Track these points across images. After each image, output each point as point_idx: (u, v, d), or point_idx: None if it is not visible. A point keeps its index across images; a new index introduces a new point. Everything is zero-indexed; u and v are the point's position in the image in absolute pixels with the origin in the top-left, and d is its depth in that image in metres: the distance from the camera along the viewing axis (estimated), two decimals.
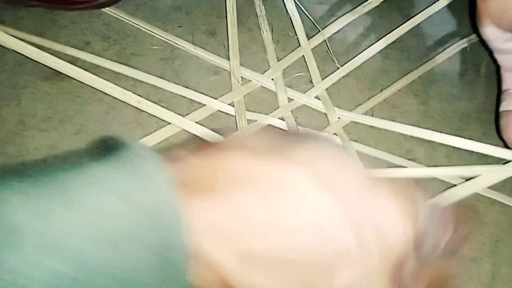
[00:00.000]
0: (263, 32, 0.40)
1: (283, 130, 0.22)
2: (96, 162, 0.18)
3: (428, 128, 0.37)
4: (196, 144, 0.21)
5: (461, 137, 0.36)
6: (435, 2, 0.41)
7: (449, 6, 0.41)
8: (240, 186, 0.18)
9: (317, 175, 0.19)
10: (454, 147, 0.36)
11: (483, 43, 0.35)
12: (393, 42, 0.40)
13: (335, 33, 0.41)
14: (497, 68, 0.37)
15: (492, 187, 0.35)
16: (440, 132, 0.37)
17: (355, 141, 0.37)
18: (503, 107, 0.36)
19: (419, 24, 0.41)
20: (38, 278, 0.15)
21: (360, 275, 0.19)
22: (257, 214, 0.18)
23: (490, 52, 0.36)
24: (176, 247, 0.17)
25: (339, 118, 0.38)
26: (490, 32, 0.33)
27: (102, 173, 0.17)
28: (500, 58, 0.35)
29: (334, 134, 0.37)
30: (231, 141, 0.21)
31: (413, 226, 0.20)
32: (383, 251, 0.19)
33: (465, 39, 0.42)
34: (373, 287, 0.19)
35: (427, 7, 0.41)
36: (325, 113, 0.37)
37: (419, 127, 0.38)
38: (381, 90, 0.39)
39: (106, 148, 0.19)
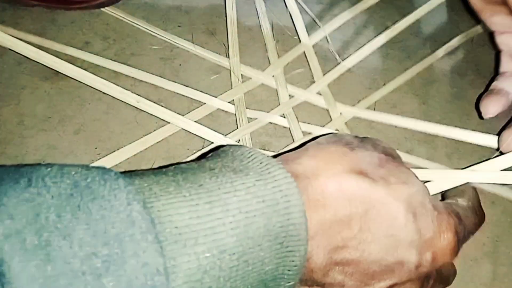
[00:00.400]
0: (263, 29, 0.40)
1: (386, 150, 0.27)
2: (226, 167, 0.21)
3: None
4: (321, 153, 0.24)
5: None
6: None
7: (448, 4, 0.41)
8: (349, 202, 0.23)
9: (408, 203, 0.24)
10: (455, 148, 0.36)
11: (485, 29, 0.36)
12: (394, 41, 0.40)
13: (334, 30, 0.41)
14: (496, 54, 0.38)
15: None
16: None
17: None
18: (493, 86, 0.36)
19: (419, 24, 0.41)
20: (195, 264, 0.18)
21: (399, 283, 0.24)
22: (354, 224, 0.23)
23: (491, 36, 0.37)
24: (299, 241, 0.21)
25: (341, 113, 0.37)
26: (474, 2, 0.35)
27: (236, 177, 0.21)
28: (499, 40, 0.36)
29: (336, 130, 0.37)
30: (351, 161, 0.24)
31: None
32: (428, 275, 0.24)
33: (464, 34, 0.42)
34: None
35: (425, 3, 0.41)
36: (327, 110, 0.37)
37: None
38: (384, 84, 0.39)
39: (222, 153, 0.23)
